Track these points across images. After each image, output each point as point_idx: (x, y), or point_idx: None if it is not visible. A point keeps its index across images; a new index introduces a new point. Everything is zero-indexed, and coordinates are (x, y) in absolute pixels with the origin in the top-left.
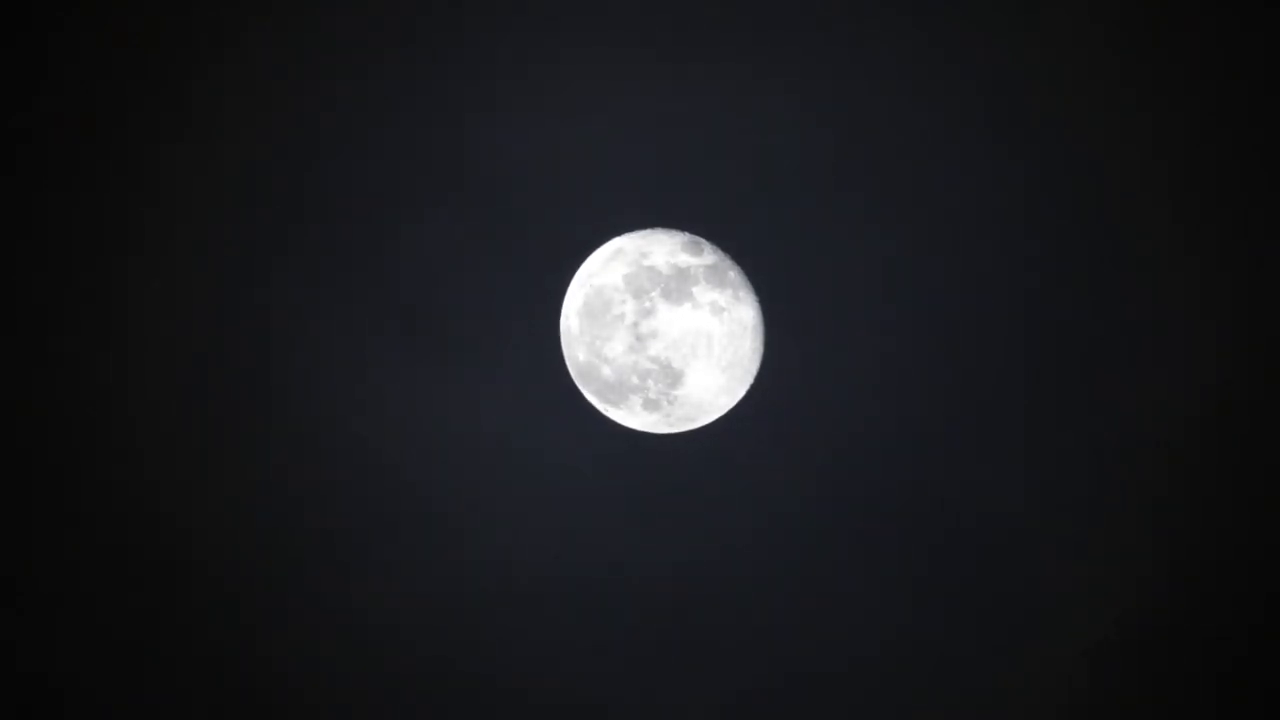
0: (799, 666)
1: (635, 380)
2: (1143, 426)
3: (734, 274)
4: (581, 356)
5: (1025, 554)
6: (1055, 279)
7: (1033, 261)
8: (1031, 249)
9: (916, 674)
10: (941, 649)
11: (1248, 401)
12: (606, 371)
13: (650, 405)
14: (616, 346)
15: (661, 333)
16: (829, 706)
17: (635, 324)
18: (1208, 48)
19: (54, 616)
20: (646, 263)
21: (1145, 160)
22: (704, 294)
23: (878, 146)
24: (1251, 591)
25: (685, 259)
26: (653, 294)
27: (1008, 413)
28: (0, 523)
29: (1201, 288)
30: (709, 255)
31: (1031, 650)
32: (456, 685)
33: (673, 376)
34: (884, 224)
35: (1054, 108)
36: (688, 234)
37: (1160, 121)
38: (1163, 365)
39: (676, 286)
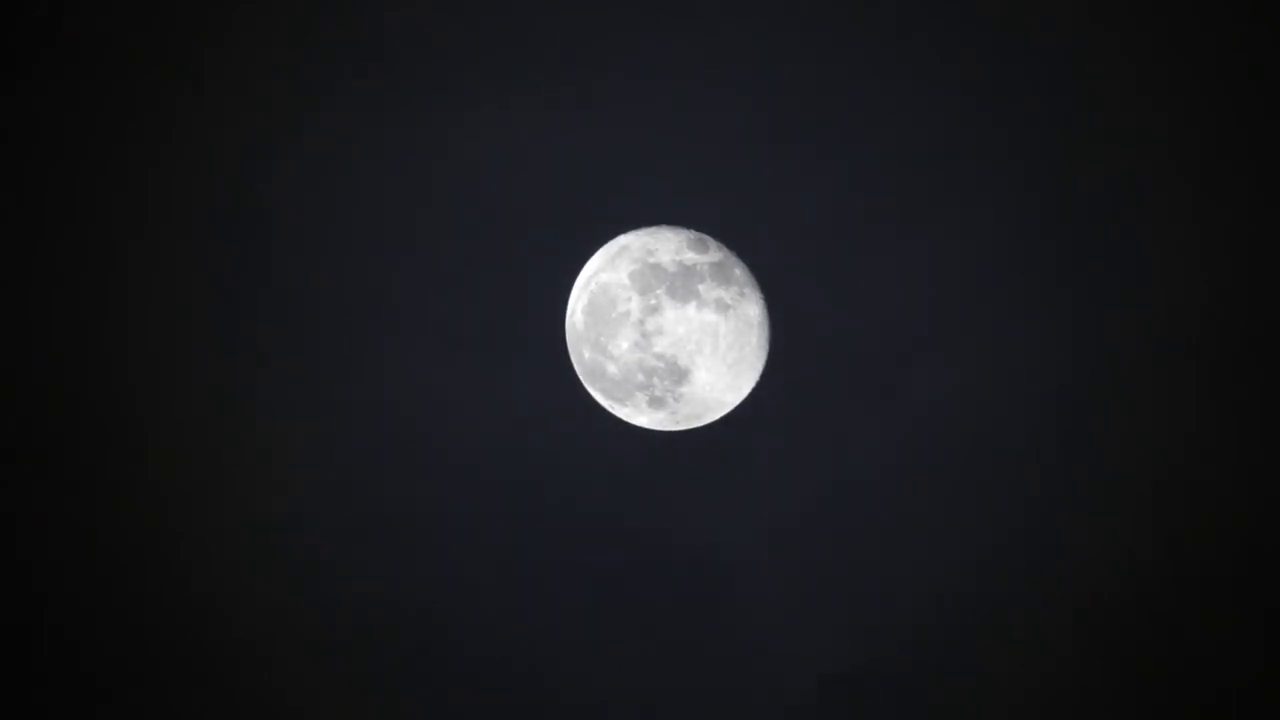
0: (803, 667)
1: (641, 378)
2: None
3: (739, 271)
4: (587, 354)
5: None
6: (1058, 277)
7: (1037, 259)
8: (1038, 245)
9: (944, 673)
10: (949, 640)
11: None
12: (612, 369)
13: (656, 403)
14: (622, 344)
15: (667, 330)
16: (836, 706)
17: (641, 321)
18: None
19: (53, 615)
20: (652, 260)
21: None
22: (710, 291)
23: (883, 144)
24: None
25: (691, 256)
26: (658, 291)
27: (1005, 411)
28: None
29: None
30: (714, 252)
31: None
32: (459, 680)
33: (678, 374)
34: (888, 220)
35: (1056, 102)
36: (693, 231)
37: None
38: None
39: (682, 284)
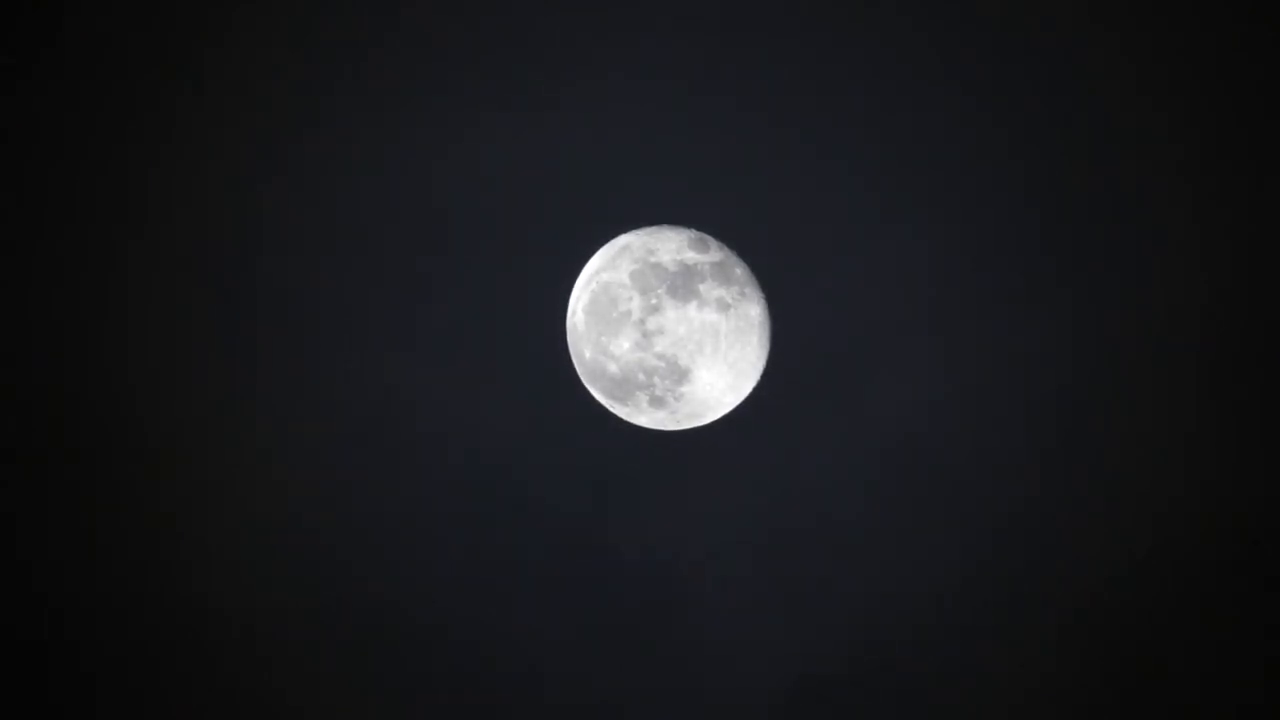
0: (799, 666)
1: (642, 377)
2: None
3: (740, 270)
4: (588, 354)
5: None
6: (1058, 277)
7: (1037, 259)
8: (1038, 245)
9: (933, 669)
10: (949, 640)
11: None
12: (613, 369)
13: (657, 402)
14: (623, 344)
15: (668, 330)
16: (824, 707)
17: (642, 321)
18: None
19: (53, 615)
20: (653, 259)
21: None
22: (710, 291)
23: (884, 144)
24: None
25: (692, 256)
26: (659, 291)
27: (1006, 411)
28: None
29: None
30: (715, 252)
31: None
32: (458, 680)
33: (679, 373)
34: (888, 220)
35: (1056, 102)
36: (694, 231)
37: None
38: None
39: (683, 283)
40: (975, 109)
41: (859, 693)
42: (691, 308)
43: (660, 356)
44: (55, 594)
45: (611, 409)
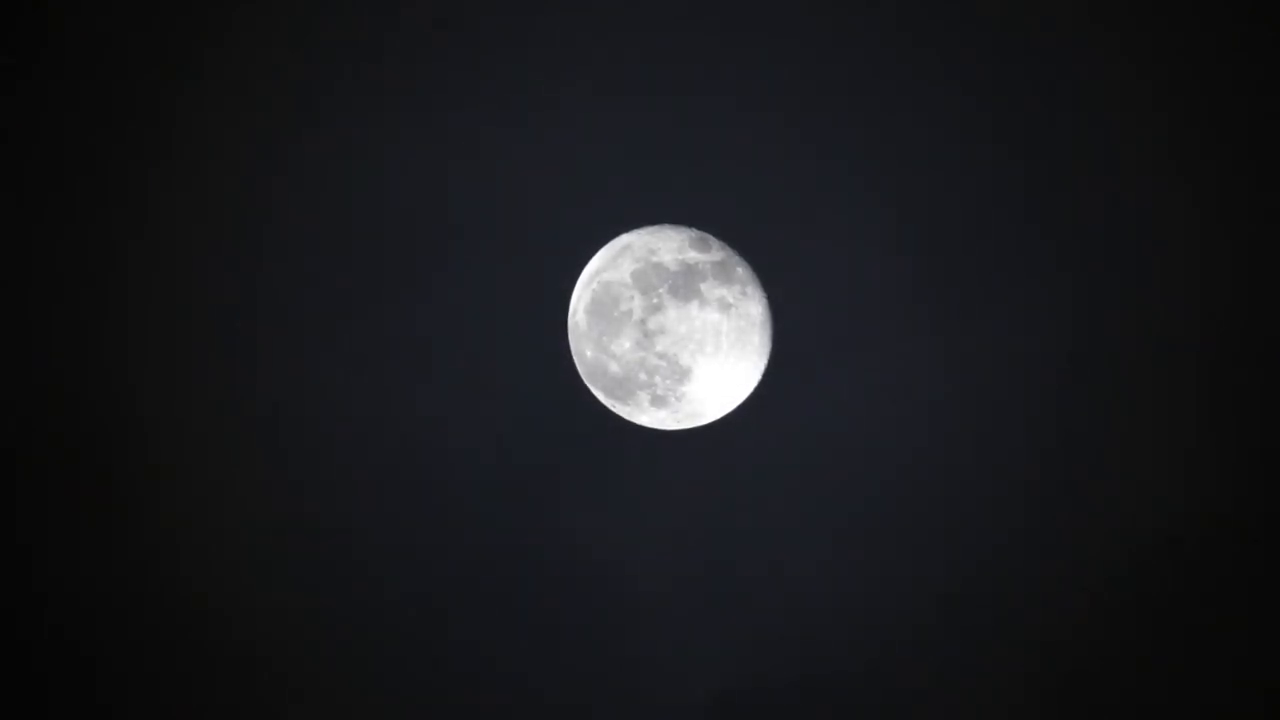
0: (799, 667)
1: (643, 377)
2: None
3: (741, 270)
4: (589, 353)
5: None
6: (1058, 277)
7: (1037, 259)
8: (1038, 245)
9: (927, 677)
10: (948, 640)
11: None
12: (614, 368)
13: (658, 402)
14: (624, 343)
15: (669, 329)
16: (822, 708)
17: (643, 320)
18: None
19: (53, 615)
20: (654, 259)
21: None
22: (712, 290)
23: (884, 142)
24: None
25: (693, 255)
26: (660, 290)
27: (1006, 411)
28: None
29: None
30: (717, 251)
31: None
32: (459, 680)
33: (680, 373)
34: (890, 219)
35: (1056, 102)
36: (695, 230)
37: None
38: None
39: (684, 283)
40: (975, 109)
41: (858, 693)
42: (693, 307)
43: (661, 356)
44: (55, 594)
45: (612, 408)
